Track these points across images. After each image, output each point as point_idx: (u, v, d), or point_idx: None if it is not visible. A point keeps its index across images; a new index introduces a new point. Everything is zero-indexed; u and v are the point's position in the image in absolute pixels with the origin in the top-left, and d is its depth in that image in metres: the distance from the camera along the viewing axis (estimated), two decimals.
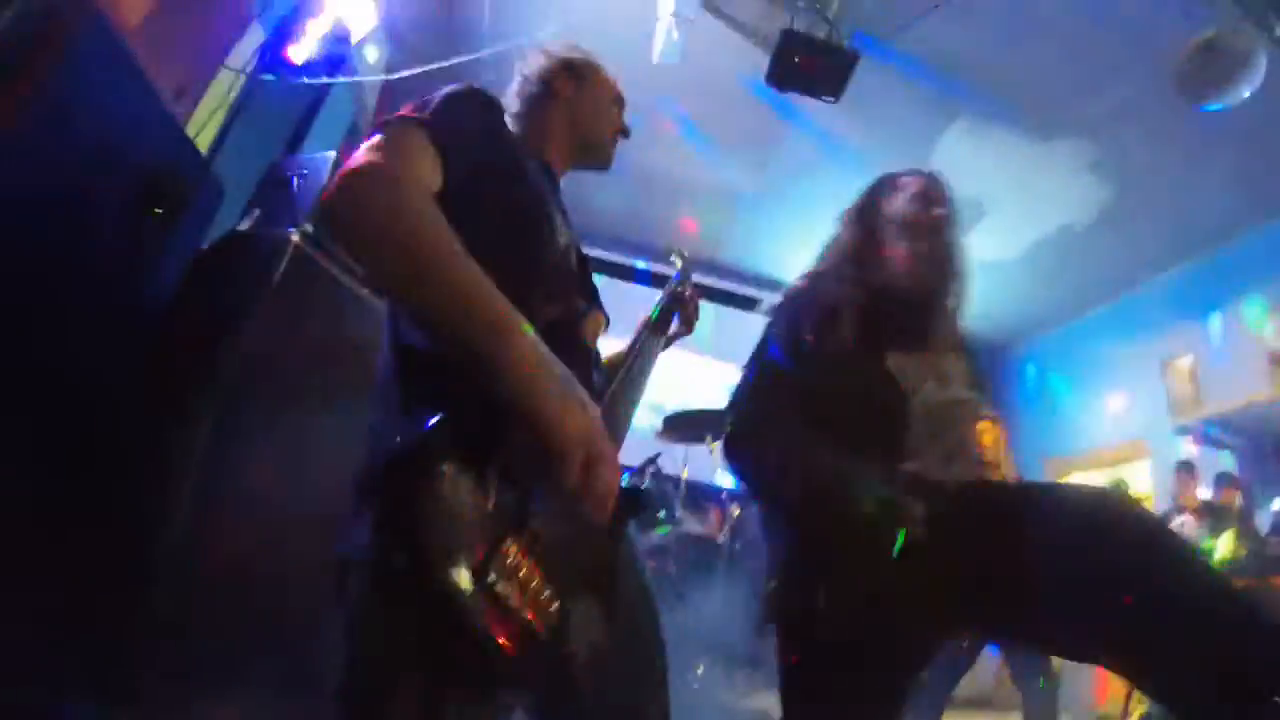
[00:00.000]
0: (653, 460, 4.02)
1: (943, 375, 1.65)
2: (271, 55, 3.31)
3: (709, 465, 4.77)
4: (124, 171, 2.14)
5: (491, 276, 0.95)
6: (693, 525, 4.47)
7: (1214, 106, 3.88)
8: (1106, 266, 6.20)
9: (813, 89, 3.94)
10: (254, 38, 3.25)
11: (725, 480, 4.81)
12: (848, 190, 5.80)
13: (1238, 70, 3.79)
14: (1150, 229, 5.64)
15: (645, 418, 4.43)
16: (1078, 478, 6.37)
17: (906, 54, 4.35)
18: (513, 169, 1.27)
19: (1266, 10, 3.83)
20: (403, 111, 1.14)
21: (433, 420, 0.91)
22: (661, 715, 1.35)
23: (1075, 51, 4.19)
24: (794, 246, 6.62)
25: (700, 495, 4.80)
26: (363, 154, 1.01)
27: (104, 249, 2.14)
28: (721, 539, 4.95)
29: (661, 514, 3.67)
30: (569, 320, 1.29)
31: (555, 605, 0.99)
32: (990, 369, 7.79)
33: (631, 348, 1.54)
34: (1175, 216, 5.46)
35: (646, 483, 3.88)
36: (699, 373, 6.34)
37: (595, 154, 1.60)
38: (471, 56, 3.94)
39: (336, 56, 3.67)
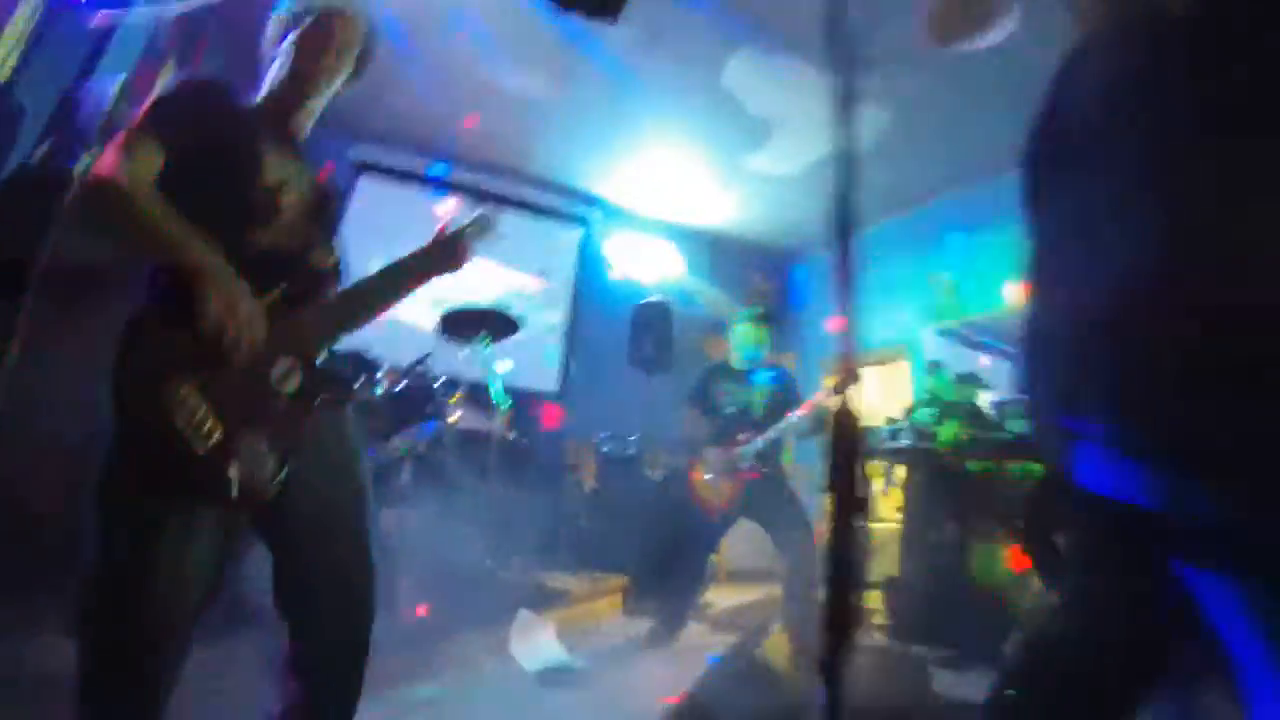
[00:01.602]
0: (420, 360, 4.19)
1: None
2: None
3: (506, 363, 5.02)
4: None
5: (204, 216, 1.50)
6: (475, 421, 4.68)
7: (964, 48, 4.31)
8: (885, 188, 6.74)
9: (591, 10, 4.04)
10: None
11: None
12: (645, 111, 5.95)
13: (990, 17, 4.21)
14: (922, 158, 6.20)
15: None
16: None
17: None
18: (218, 136, 1.65)
19: None
20: (138, 113, 1.58)
21: (148, 301, 1.52)
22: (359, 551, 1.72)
23: None
24: (598, 161, 6.86)
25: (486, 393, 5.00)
26: (97, 162, 1.48)
27: None
28: (510, 435, 5.25)
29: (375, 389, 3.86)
30: (275, 245, 1.68)
31: (215, 434, 1.45)
32: (778, 277, 8.38)
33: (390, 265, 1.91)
34: (946, 149, 6.05)
35: (406, 382, 4.06)
36: (488, 276, 6.57)
37: (299, 85, 1.84)
38: None
39: None
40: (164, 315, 1.48)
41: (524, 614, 3.64)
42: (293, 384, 1.60)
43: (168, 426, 1.41)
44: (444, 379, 4.35)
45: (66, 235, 2.43)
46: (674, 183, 6.98)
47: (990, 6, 4.15)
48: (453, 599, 3.57)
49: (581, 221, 7.40)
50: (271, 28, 1.85)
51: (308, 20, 1.82)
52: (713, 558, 4.79)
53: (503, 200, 6.90)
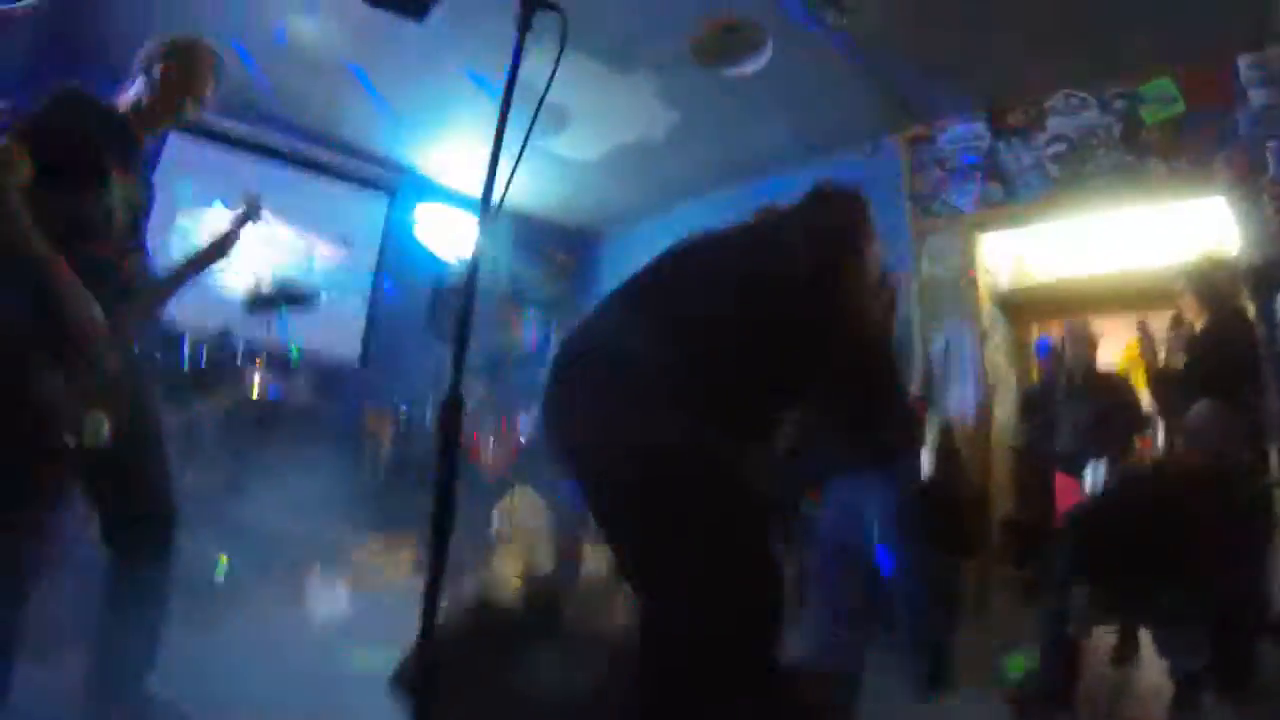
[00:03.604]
0: (222, 333, 4.40)
1: None
2: None
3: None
4: None
5: (56, 223, 1.86)
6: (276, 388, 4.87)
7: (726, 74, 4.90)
8: (675, 178, 7.34)
9: (401, 8, 4.32)
10: None
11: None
12: (452, 88, 6.08)
13: (749, 53, 4.80)
14: (709, 153, 6.84)
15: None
16: None
17: None
18: (76, 157, 2.00)
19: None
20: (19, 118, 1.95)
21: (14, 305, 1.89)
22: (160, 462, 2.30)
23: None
24: (406, 132, 6.94)
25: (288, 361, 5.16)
26: None
27: None
28: (310, 401, 5.46)
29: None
30: (106, 256, 2.07)
31: (70, 408, 1.95)
32: (578, 254, 8.84)
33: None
34: (728, 146, 6.70)
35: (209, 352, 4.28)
36: (291, 243, 6.61)
37: (159, 114, 2.20)
38: None
39: None
40: (29, 317, 1.88)
41: (317, 570, 3.94)
42: (116, 368, 2.06)
43: (37, 406, 1.88)
44: (243, 349, 4.53)
45: None
46: (480, 160, 7.17)
47: (744, 44, 4.71)
48: (248, 556, 3.83)
49: (388, 190, 7.52)
50: (146, 49, 2.13)
51: (179, 56, 2.11)
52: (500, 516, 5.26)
53: (309, 164, 6.92)
